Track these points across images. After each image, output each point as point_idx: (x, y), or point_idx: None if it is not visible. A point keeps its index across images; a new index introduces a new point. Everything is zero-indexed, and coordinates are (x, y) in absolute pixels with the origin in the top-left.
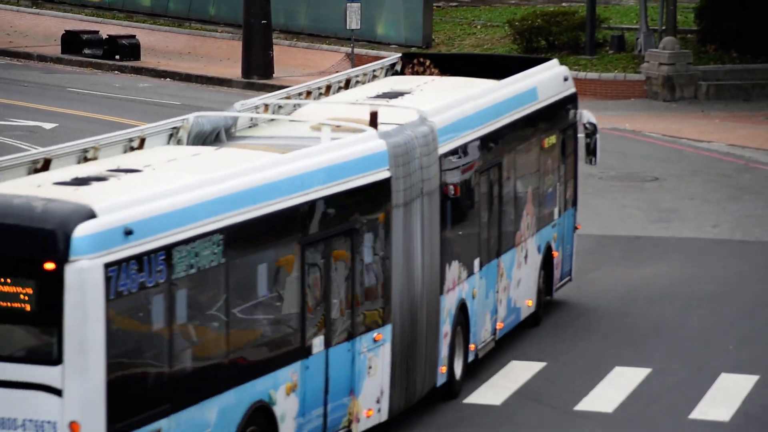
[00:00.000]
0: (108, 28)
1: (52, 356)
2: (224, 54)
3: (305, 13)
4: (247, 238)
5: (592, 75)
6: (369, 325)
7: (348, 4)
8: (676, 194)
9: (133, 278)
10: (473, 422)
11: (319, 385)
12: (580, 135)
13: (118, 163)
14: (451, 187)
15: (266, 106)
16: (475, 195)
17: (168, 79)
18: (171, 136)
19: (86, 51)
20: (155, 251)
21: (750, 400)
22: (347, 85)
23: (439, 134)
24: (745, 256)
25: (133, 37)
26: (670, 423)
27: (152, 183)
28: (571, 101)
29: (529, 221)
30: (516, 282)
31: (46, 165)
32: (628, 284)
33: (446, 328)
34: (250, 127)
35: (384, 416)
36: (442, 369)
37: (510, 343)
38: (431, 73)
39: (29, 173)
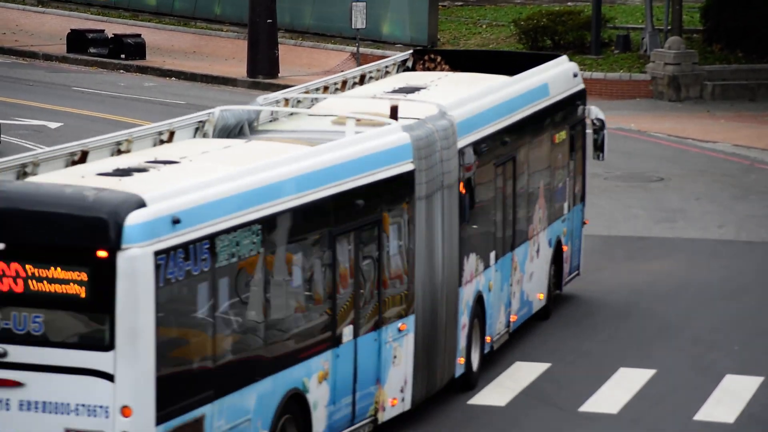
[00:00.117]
0: (113, 27)
1: (104, 342)
2: (229, 53)
3: (311, 13)
4: (283, 228)
5: (598, 75)
6: (394, 316)
7: (353, 4)
8: (681, 194)
9: (179, 266)
10: (478, 423)
11: (349, 374)
12: (588, 131)
13: (155, 155)
14: (470, 180)
15: (286, 100)
16: (492, 189)
17: (173, 78)
18: (197, 129)
19: (92, 50)
20: (200, 240)
21: (755, 402)
22: (362, 80)
23: (458, 128)
24: (751, 257)
25: (139, 36)
26: (675, 424)
27: (191, 174)
28: (580, 97)
29: (541, 215)
30: (528, 275)
31: (83, 157)
32: (633, 285)
33: (464, 319)
34: (270, 121)
35: (407, 405)
36: (461, 360)
37: (515, 343)
38: (442, 69)
39: (67, 165)
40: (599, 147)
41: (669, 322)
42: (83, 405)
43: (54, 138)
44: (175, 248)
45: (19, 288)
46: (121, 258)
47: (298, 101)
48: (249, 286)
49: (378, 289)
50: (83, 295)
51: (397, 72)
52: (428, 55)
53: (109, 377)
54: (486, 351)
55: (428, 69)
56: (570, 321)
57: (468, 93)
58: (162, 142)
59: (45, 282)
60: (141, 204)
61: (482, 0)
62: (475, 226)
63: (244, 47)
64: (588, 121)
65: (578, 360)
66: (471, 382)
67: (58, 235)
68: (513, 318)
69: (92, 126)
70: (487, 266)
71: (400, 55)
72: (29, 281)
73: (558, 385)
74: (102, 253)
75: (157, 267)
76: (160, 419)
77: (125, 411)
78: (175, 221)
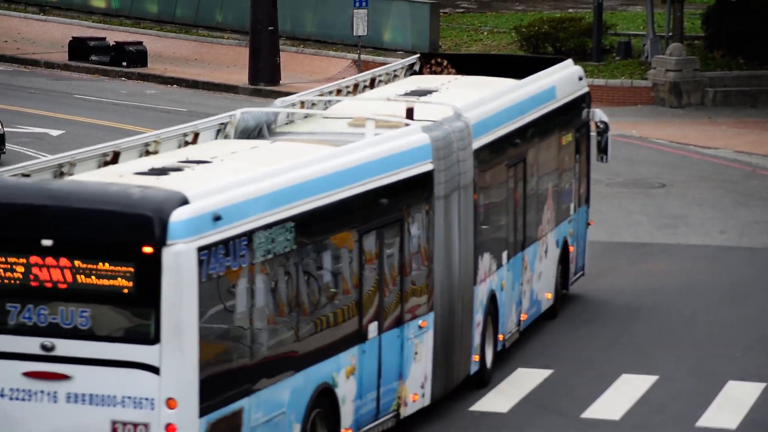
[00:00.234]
0: (115, 34)
1: (150, 336)
2: (231, 60)
3: (312, 20)
4: (314, 226)
5: (599, 81)
6: (415, 313)
7: (355, 11)
8: (683, 200)
9: (220, 262)
10: (480, 429)
11: (374, 369)
12: (592, 133)
13: (186, 155)
14: (485, 180)
15: (302, 103)
16: (505, 189)
17: (175, 85)
18: (218, 131)
19: (93, 57)
20: (239, 236)
21: (757, 408)
22: (372, 84)
23: (473, 130)
24: (753, 263)
25: (140, 43)
26: (677, 430)
27: (225, 173)
28: (585, 100)
29: (549, 216)
30: (538, 275)
31: (115, 157)
32: (635, 291)
33: (479, 317)
34: (287, 123)
35: (427, 401)
36: (475, 357)
37: (517, 349)
38: (449, 73)
39: (99, 165)
40: (603, 149)
41: (671, 328)
42: (129, 397)
43: (56, 146)
44: (216, 244)
45: (66, 283)
46: (167, 253)
47: (313, 104)
48: (283, 282)
49: (400, 287)
50: (129, 290)
51: (405, 75)
52: (435, 59)
53: (155, 370)
54: (498, 349)
55: (435, 72)
56: (572, 327)
57: (480, 95)
58: (187, 143)
59: (92, 277)
60: (184, 201)
61: (483, 7)
62: (489, 226)
63: (245, 54)
64: (592, 124)
65: (580, 366)
66: (485, 379)
67: (104, 231)
68: (523, 317)
69: (94, 133)
70: (499, 266)
71: (407, 59)
72: (76, 277)
73: (560, 391)
74: (148, 249)
75: (200, 262)
76: (203, 411)
77: (170, 403)
78: (216, 218)
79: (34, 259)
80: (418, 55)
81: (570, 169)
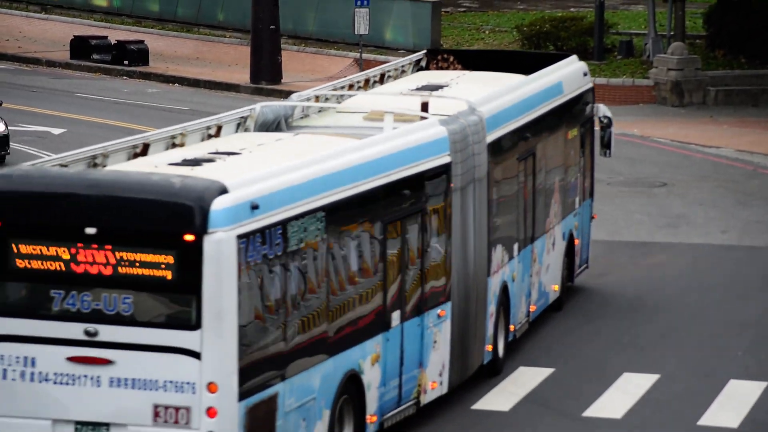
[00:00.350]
0: (116, 33)
1: (191, 322)
2: (232, 59)
3: (313, 19)
4: (343, 216)
5: (601, 80)
6: (434, 302)
7: (356, 10)
8: (684, 200)
9: (257, 250)
10: (482, 428)
11: (397, 357)
12: (596, 128)
13: (215, 147)
14: (497, 173)
15: (317, 97)
16: (516, 183)
17: (176, 84)
18: (239, 124)
19: (95, 56)
20: (274, 225)
21: (759, 407)
22: (382, 79)
23: (486, 123)
24: (754, 262)
25: (142, 42)
26: (679, 429)
27: (255, 164)
28: (589, 95)
29: (556, 209)
30: (546, 267)
31: (144, 149)
32: (636, 290)
33: (492, 308)
34: (301, 117)
35: (445, 389)
36: (489, 347)
37: (518, 348)
38: (455, 69)
39: (129, 158)
40: (606, 144)
41: (672, 327)
42: (171, 381)
43: (57, 144)
44: (253, 233)
45: (109, 270)
46: (208, 241)
47: (327, 98)
48: (315, 271)
49: (421, 277)
50: (171, 277)
51: (413, 71)
52: (441, 55)
53: (196, 355)
54: (510, 339)
55: (441, 68)
56: (573, 326)
57: (491, 90)
58: (210, 136)
59: (134, 264)
60: (224, 190)
61: (485, 6)
62: (501, 219)
63: (246, 53)
64: (596, 119)
65: (582, 365)
66: (497, 368)
67: (146, 220)
68: (532, 308)
69: (96, 132)
70: (511, 257)
71: (414, 55)
72: (119, 264)
73: (562, 390)
74: (189, 237)
75: (239, 250)
76: (242, 395)
77: (211, 387)
78: (254, 207)
79: (77, 247)
80: (424, 51)
81: (576, 164)
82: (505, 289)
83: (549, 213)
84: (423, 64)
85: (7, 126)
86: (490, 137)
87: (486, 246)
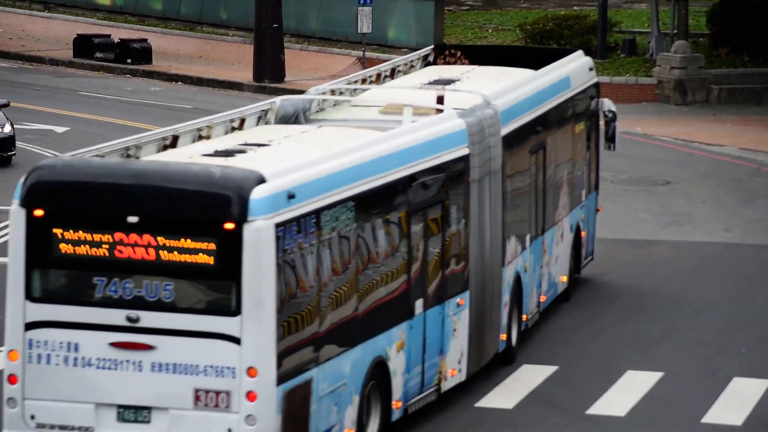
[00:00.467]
0: (119, 31)
1: (231, 308)
2: (235, 58)
3: (316, 17)
4: (371, 205)
5: (604, 79)
6: (454, 291)
7: (359, 8)
8: (687, 198)
9: (293, 238)
10: (485, 426)
11: (419, 345)
12: (600, 122)
13: (244, 139)
14: (510, 166)
15: (332, 91)
16: (528, 175)
17: (179, 82)
18: (260, 118)
19: (98, 55)
20: (309, 214)
21: (763, 405)
22: (393, 74)
23: (501, 116)
24: (758, 260)
25: (145, 40)
26: (682, 427)
27: (286, 155)
28: (595, 90)
29: (565, 202)
30: (555, 258)
31: (174, 141)
32: (639, 288)
33: (506, 298)
34: (317, 111)
35: (463, 376)
36: (503, 336)
37: (521, 346)
38: (462, 63)
39: (159, 150)
40: (610, 138)
41: (676, 325)
42: (211, 366)
43: (60, 142)
44: (290, 221)
45: (151, 258)
46: (248, 230)
47: (341, 92)
48: (346, 259)
49: (442, 266)
50: (211, 264)
51: (421, 66)
52: (448, 50)
53: (236, 340)
54: (522, 329)
55: (449, 63)
56: (576, 324)
57: (502, 84)
58: (233, 129)
59: (175, 252)
60: (262, 180)
61: (488, 4)
62: (515, 210)
63: (250, 52)
64: (601, 113)
65: (585, 363)
66: (511, 357)
67: (188, 208)
68: (542, 298)
69: (99, 130)
70: (523, 248)
71: (422, 51)
72: (160, 252)
73: (565, 388)
74: (230, 225)
75: (277, 238)
76: (280, 380)
77: (251, 371)
78: (291, 196)
79: (119, 235)
80: (432, 47)
81: (582, 157)
82: (518, 280)
83: (558, 205)
84: (430, 59)
85: (13, 127)
86: (505, 130)
87: (501, 237)
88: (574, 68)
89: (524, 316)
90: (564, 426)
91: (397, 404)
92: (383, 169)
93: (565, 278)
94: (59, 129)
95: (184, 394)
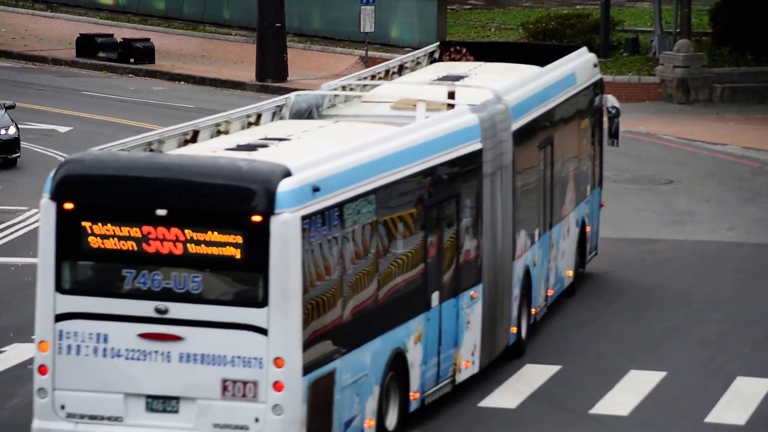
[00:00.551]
0: (122, 31)
1: (258, 299)
2: (238, 57)
3: (319, 17)
4: (391, 199)
5: (607, 77)
6: (468, 284)
7: (362, 8)
8: (690, 197)
9: (318, 231)
10: (488, 425)
11: (435, 337)
12: (604, 118)
13: (264, 133)
14: (520, 161)
15: (343, 87)
16: (536, 170)
17: (182, 82)
18: (274, 113)
19: (101, 54)
20: (332, 207)
21: (766, 404)
22: (401, 70)
23: (511, 112)
24: (760, 259)
25: (148, 40)
26: (685, 427)
27: (306, 149)
28: (599, 86)
29: (571, 197)
30: (561, 253)
31: (194, 136)
32: (642, 287)
33: (516, 291)
34: (329, 107)
35: (476, 368)
36: (513, 329)
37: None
38: (468, 60)
39: (180, 144)
40: (614, 134)
41: (679, 325)
42: (239, 357)
43: (63, 142)
44: (315, 214)
45: (179, 250)
46: (275, 222)
47: (352, 88)
48: (367, 251)
49: (456, 259)
50: (239, 256)
51: (427, 63)
52: (454, 47)
53: (263, 331)
54: (531, 322)
55: (454, 60)
56: (579, 323)
57: (511, 80)
58: (250, 124)
59: (203, 245)
60: (288, 173)
61: (490, 3)
62: (524, 205)
63: (252, 51)
64: (604, 109)
65: (588, 362)
66: (520, 349)
67: (215, 201)
68: (550, 292)
69: (101, 130)
70: (533, 243)
71: (428, 47)
72: (188, 244)
73: (568, 387)
74: (257, 218)
75: (303, 231)
76: (306, 370)
77: (278, 362)
78: (315, 189)
79: (148, 227)
80: (437, 43)
81: (587, 152)
82: (527, 273)
83: (565, 200)
84: (436, 56)
85: (18, 129)
86: (515, 125)
87: (511, 231)
88: (579, 64)
89: (533, 310)
90: (567, 426)
91: (414, 395)
92: (402, 163)
93: (571, 273)
94: (62, 129)
95: (211, 385)
